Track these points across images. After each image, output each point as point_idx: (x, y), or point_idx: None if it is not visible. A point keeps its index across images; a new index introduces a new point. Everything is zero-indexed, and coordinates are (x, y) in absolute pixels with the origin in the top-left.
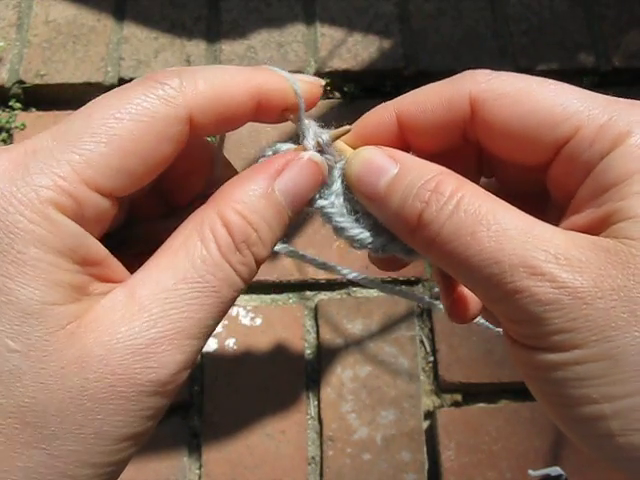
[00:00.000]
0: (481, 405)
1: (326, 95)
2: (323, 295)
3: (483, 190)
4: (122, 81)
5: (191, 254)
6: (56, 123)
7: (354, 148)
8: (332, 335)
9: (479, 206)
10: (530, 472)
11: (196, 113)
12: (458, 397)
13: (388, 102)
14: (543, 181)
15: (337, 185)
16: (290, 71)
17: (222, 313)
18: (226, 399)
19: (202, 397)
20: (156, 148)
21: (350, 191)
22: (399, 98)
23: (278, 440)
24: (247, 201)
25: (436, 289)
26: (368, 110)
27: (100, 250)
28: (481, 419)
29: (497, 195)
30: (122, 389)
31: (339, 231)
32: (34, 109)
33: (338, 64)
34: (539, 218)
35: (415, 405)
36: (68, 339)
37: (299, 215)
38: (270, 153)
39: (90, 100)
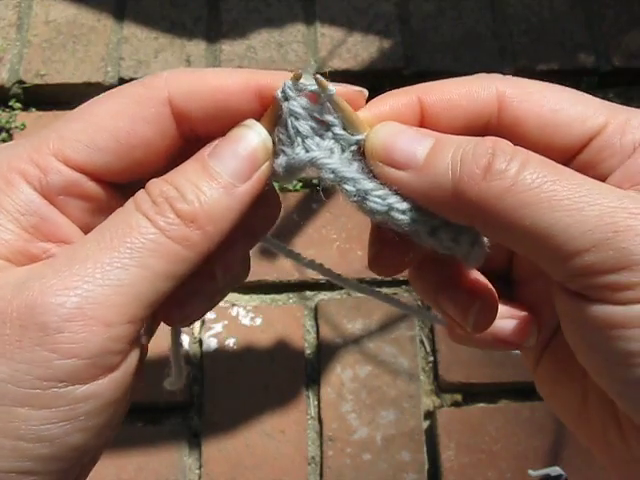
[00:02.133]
0: (481, 405)
1: None
2: (323, 295)
3: (541, 156)
4: (122, 81)
5: (121, 226)
6: None
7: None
8: (332, 335)
9: (554, 164)
10: (530, 472)
11: (177, 96)
12: (458, 397)
13: (410, 87)
14: None
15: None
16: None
17: (139, 267)
18: (226, 399)
19: (202, 397)
20: (130, 127)
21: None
22: (423, 85)
23: (278, 440)
24: (176, 170)
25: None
26: None
27: (64, 227)
28: (481, 419)
29: None
30: (4, 330)
31: (352, 189)
32: (34, 109)
33: (338, 64)
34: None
35: (415, 405)
36: None
37: (252, 188)
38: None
39: (89, 99)
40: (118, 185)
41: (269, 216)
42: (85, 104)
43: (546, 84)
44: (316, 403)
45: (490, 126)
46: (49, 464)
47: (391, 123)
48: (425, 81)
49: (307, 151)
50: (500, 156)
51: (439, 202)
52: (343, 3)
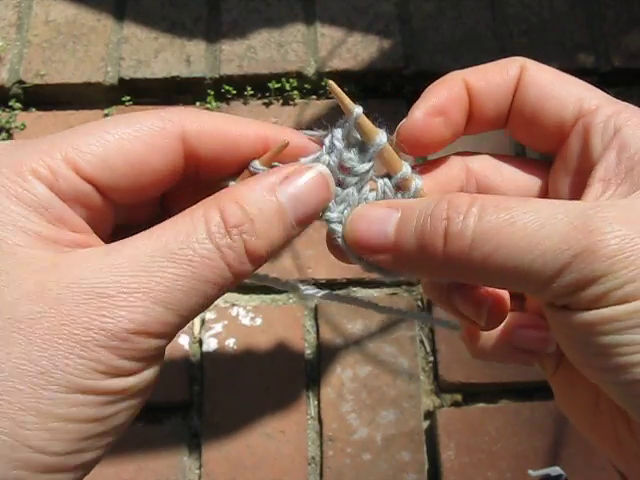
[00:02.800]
0: (481, 405)
1: (326, 95)
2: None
3: (496, 197)
4: (122, 81)
5: (177, 229)
6: (56, 123)
7: (433, 104)
8: (332, 335)
9: (505, 201)
10: (530, 472)
11: (190, 133)
12: (458, 397)
13: (458, 71)
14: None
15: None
16: (290, 71)
17: (199, 294)
18: (226, 399)
19: (202, 397)
20: (144, 155)
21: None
22: (462, 70)
23: (278, 440)
24: (247, 195)
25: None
26: (368, 110)
27: (79, 222)
28: (481, 419)
29: None
30: (73, 330)
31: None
32: (34, 109)
33: (338, 64)
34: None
35: (415, 405)
36: (29, 275)
37: (303, 228)
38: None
39: (90, 99)
40: (118, 203)
41: None
42: (101, 121)
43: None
44: (316, 403)
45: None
46: (100, 440)
47: (355, 211)
48: (425, 81)
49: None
50: (454, 218)
51: (420, 272)
52: (343, 3)
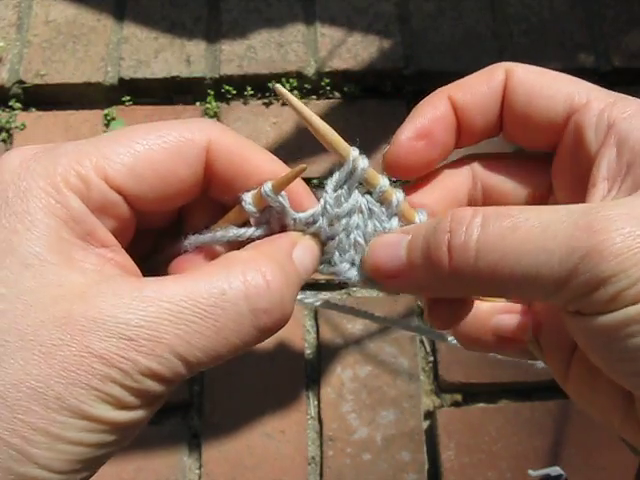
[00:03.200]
0: (481, 405)
1: (326, 95)
2: (323, 295)
3: (497, 207)
4: (122, 81)
5: (212, 283)
6: (56, 123)
7: (416, 127)
8: (332, 335)
9: (506, 209)
10: (530, 472)
11: (214, 147)
12: (458, 397)
13: (438, 91)
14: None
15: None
16: (290, 71)
17: (215, 353)
18: (226, 399)
19: (202, 397)
20: (172, 165)
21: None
22: (447, 86)
23: (278, 440)
24: (275, 268)
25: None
26: (368, 110)
27: (107, 235)
28: (481, 419)
29: None
30: (92, 364)
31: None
32: (34, 109)
33: (338, 64)
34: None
35: (415, 405)
36: (57, 300)
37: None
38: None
39: (90, 99)
40: (143, 212)
41: None
42: (128, 129)
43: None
44: (316, 403)
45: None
46: (96, 461)
47: (375, 241)
48: (425, 81)
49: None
50: (457, 230)
51: (433, 291)
52: (343, 3)
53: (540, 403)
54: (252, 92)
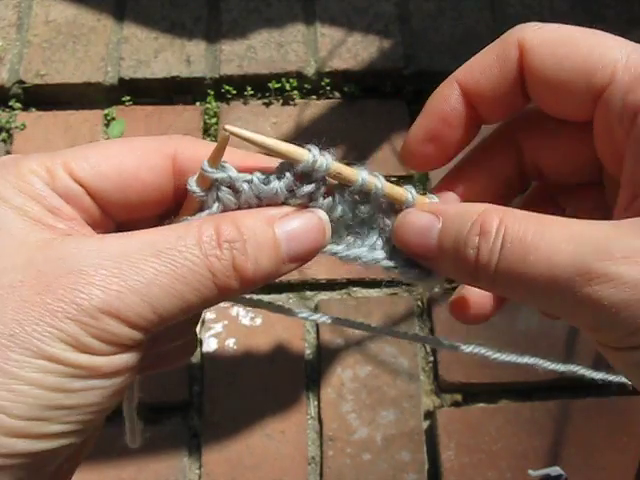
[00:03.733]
0: (481, 405)
1: (326, 95)
2: (323, 295)
3: (525, 213)
4: (122, 81)
5: (169, 233)
6: (56, 123)
7: (425, 130)
8: (332, 335)
9: (523, 232)
10: (530, 472)
11: (182, 158)
12: (458, 397)
13: (449, 77)
14: (595, 168)
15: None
16: (290, 71)
17: (178, 295)
18: (226, 399)
19: (202, 397)
20: (134, 168)
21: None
22: (457, 70)
23: (278, 440)
24: (246, 219)
25: (435, 289)
26: (368, 110)
27: (75, 215)
28: (481, 419)
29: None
30: (46, 299)
31: (357, 261)
32: (34, 109)
33: (338, 64)
34: (598, 196)
35: (415, 405)
36: (21, 251)
37: (296, 267)
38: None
39: (90, 99)
40: (111, 215)
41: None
42: (105, 140)
43: (573, 29)
44: (316, 403)
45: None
46: (68, 414)
47: (405, 217)
48: (425, 81)
49: (350, 247)
50: (483, 247)
51: (462, 279)
52: (343, 3)
53: (540, 403)
54: (252, 92)
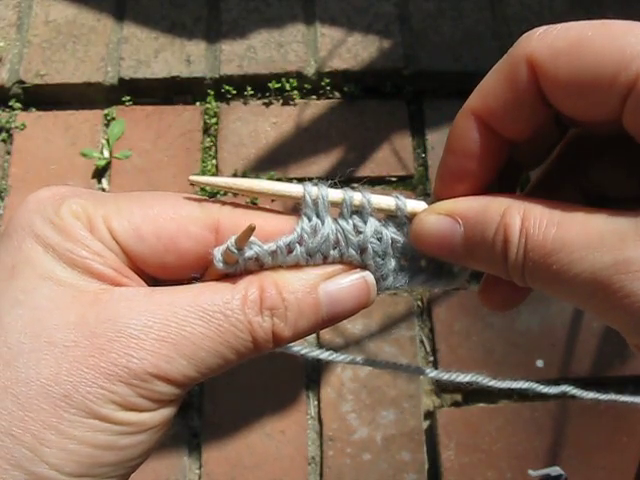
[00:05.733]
0: (481, 405)
1: (326, 95)
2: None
3: (545, 209)
4: (122, 81)
5: (216, 294)
6: (56, 123)
7: (452, 170)
8: (332, 335)
9: (543, 238)
10: (530, 472)
11: (225, 226)
12: (458, 397)
13: (463, 107)
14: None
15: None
16: (290, 71)
17: (220, 356)
18: (226, 399)
19: (202, 397)
20: (173, 235)
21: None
22: (469, 98)
23: (278, 440)
24: (289, 282)
25: (435, 290)
26: (368, 110)
27: (117, 261)
28: (481, 419)
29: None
30: (100, 363)
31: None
32: (34, 109)
33: (338, 64)
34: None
35: (415, 405)
36: (72, 307)
37: (333, 324)
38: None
39: (90, 99)
40: (145, 272)
41: None
42: (150, 194)
43: (582, 29)
44: (316, 403)
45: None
46: (114, 470)
47: (422, 225)
48: (425, 81)
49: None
50: (509, 255)
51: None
52: (343, 3)
53: (540, 403)
54: (252, 92)
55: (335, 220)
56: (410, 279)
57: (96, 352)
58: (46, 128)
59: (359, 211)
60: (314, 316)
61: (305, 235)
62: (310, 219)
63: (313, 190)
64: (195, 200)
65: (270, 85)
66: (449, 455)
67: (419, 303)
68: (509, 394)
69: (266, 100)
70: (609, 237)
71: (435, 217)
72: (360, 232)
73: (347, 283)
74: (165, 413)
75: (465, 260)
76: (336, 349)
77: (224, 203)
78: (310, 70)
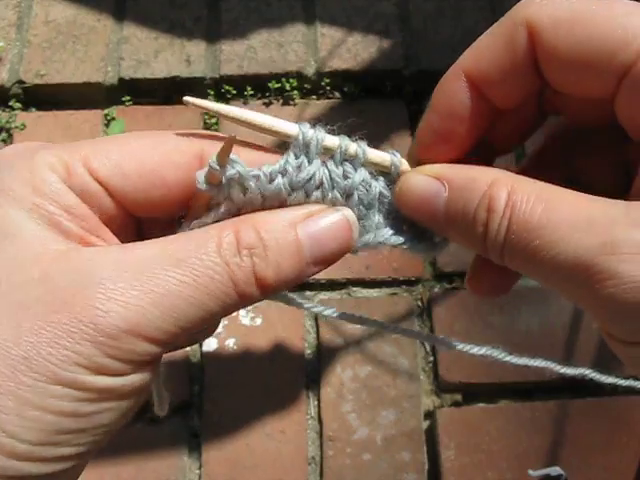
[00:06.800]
0: (481, 405)
1: (326, 95)
2: (323, 295)
3: (534, 186)
4: (122, 81)
5: (189, 241)
6: (56, 123)
7: (435, 130)
8: (332, 335)
9: (530, 214)
10: (530, 472)
11: (210, 153)
12: (458, 397)
13: (453, 66)
14: (614, 119)
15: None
16: (290, 71)
17: (200, 305)
18: (226, 399)
19: (202, 397)
20: (156, 166)
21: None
22: (461, 58)
23: (278, 440)
24: (266, 223)
25: (435, 289)
26: (368, 110)
27: (91, 215)
28: (481, 419)
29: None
30: (63, 319)
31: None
32: (34, 109)
33: (338, 64)
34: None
35: (415, 405)
36: (37, 264)
37: (320, 269)
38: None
39: (90, 99)
40: (132, 213)
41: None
42: (126, 133)
43: (587, 1)
44: (316, 403)
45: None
46: (79, 437)
47: (407, 183)
48: (425, 81)
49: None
50: (491, 225)
51: (472, 248)
52: (343, 3)
53: (540, 403)
54: (252, 92)
55: (324, 163)
56: (390, 238)
57: (59, 307)
58: (46, 128)
59: (352, 161)
60: (297, 257)
61: (290, 169)
62: (297, 157)
63: (309, 132)
64: (176, 134)
65: (270, 85)
66: (449, 455)
67: (419, 303)
68: (509, 394)
69: (266, 100)
70: (598, 219)
71: (422, 177)
72: (348, 177)
73: (327, 222)
74: (139, 378)
75: (445, 227)
76: (336, 349)
77: (206, 135)
78: (310, 70)
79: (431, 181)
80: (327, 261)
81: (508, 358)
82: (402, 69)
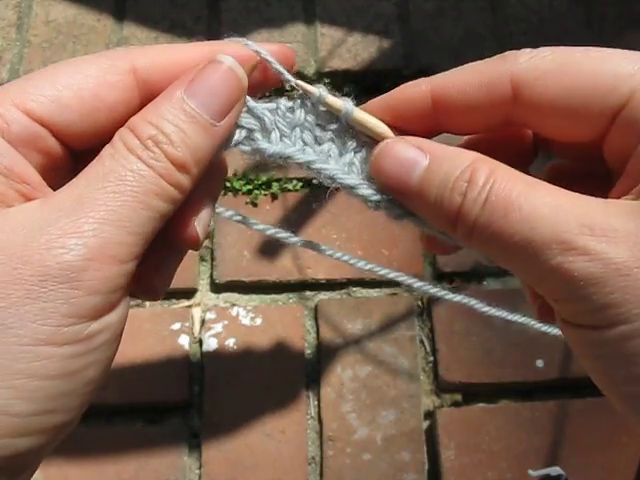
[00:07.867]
0: (481, 405)
1: None
2: (323, 295)
3: (516, 172)
4: None
5: (102, 159)
6: None
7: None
8: (332, 335)
9: (510, 189)
10: (530, 472)
11: (141, 68)
12: (458, 397)
13: (422, 79)
14: (602, 155)
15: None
16: (290, 71)
17: (145, 207)
18: (226, 399)
19: (202, 397)
20: (95, 89)
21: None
22: (435, 76)
23: (278, 440)
24: (152, 110)
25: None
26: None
27: (31, 173)
28: (481, 419)
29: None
30: (27, 272)
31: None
32: None
33: (338, 64)
34: (604, 194)
35: (415, 405)
36: None
37: (230, 123)
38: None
39: None
40: (77, 149)
41: (218, 175)
42: (49, 66)
43: (571, 52)
44: (316, 403)
45: (511, 113)
46: (70, 400)
47: (388, 144)
48: None
49: (303, 152)
50: (469, 195)
51: (439, 225)
52: (343, 3)
53: (540, 403)
54: None
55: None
56: (361, 185)
57: (18, 263)
58: None
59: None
60: (196, 125)
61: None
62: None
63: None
64: (97, 56)
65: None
66: (449, 455)
67: (419, 303)
68: (509, 394)
69: (266, 100)
70: (578, 204)
71: (403, 144)
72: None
73: (208, 78)
74: (116, 315)
75: (415, 196)
76: (336, 349)
77: (129, 48)
78: (310, 70)
79: (413, 148)
80: (226, 110)
81: (485, 309)
82: (402, 69)
